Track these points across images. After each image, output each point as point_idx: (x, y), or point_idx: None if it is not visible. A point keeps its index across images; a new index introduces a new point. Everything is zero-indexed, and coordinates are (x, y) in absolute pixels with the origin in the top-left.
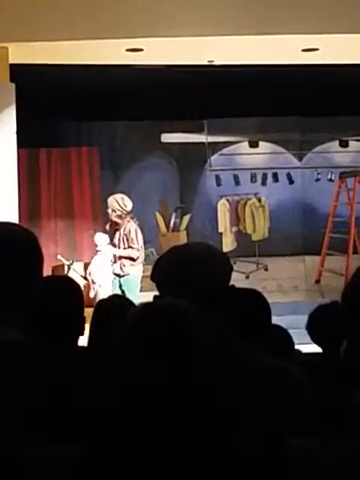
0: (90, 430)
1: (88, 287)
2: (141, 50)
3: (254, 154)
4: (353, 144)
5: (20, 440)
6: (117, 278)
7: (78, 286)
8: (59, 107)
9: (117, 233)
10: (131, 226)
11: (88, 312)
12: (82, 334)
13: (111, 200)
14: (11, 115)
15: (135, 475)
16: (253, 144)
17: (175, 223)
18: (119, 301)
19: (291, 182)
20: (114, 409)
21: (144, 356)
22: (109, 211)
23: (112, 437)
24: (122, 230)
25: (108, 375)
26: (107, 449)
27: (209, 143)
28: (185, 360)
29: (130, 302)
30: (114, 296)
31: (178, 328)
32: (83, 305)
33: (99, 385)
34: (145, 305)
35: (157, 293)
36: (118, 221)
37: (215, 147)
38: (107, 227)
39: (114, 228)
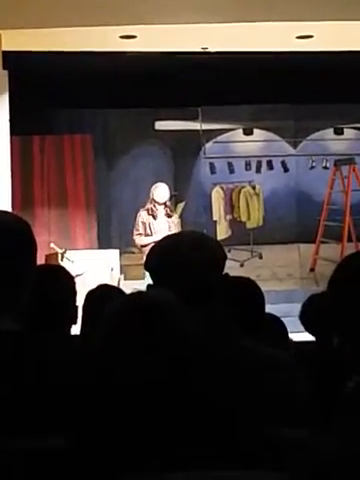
0: (78, 422)
1: None
2: (135, 37)
3: (248, 142)
4: (348, 132)
5: (14, 432)
6: None
7: (70, 275)
8: (52, 94)
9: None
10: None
11: None
12: (75, 323)
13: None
14: (4, 102)
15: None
16: (247, 132)
17: None
18: (107, 291)
19: (286, 170)
20: (91, 402)
21: (120, 351)
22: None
23: (97, 428)
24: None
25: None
26: (93, 439)
27: (203, 131)
28: (161, 354)
29: (120, 291)
30: (102, 286)
31: (153, 324)
32: (75, 294)
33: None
34: (123, 299)
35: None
36: (170, 213)
37: (209, 135)
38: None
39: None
